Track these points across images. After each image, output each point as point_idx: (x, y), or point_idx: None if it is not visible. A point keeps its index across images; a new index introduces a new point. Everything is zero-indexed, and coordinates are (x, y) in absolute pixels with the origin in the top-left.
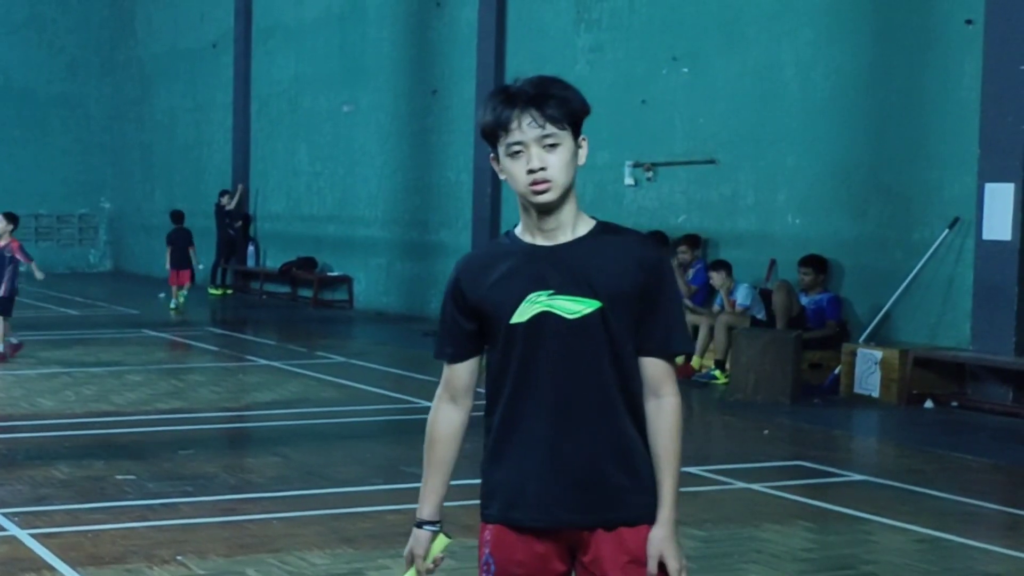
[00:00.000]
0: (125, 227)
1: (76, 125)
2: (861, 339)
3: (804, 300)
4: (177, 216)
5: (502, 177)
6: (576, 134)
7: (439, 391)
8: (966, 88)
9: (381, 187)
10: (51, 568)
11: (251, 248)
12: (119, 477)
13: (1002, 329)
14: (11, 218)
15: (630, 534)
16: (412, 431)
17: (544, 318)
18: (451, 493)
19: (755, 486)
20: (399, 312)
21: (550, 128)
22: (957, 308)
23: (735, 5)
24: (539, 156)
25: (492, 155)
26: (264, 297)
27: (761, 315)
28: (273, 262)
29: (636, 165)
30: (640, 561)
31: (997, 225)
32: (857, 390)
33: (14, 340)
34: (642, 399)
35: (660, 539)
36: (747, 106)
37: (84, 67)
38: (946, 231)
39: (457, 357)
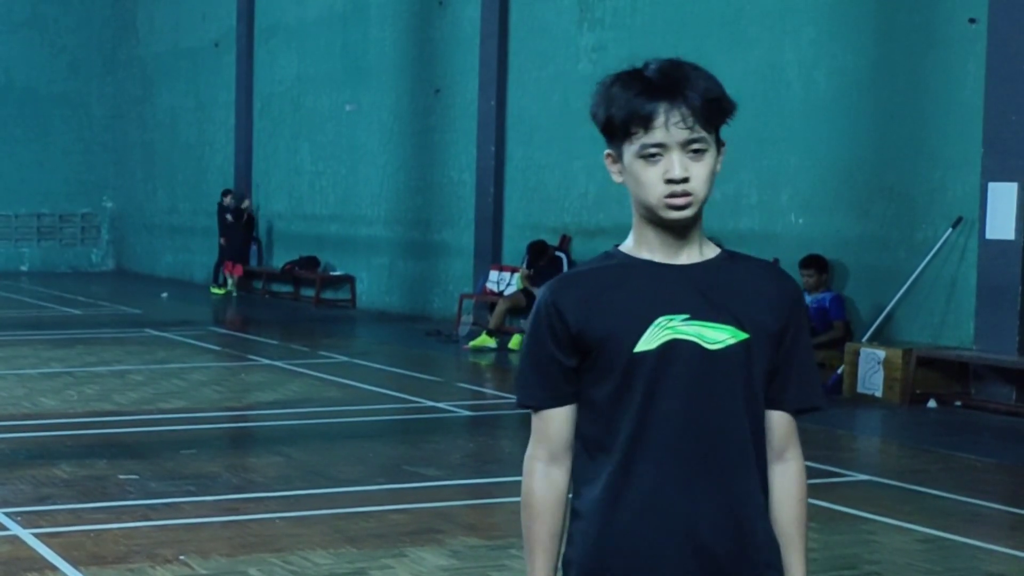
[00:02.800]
0: (127, 226)
1: (78, 124)
2: (864, 339)
3: (807, 300)
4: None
5: (618, 180)
6: (719, 137)
7: (531, 450)
8: (969, 87)
9: (384, 186)
10: (53, 568)
11: (253, 247)
12: (121, 477)
13: (1005, 329)
14: None
15: None
16: (415, 431)
17: (677, 346)
18: (453, 492)
19: None
20: (402, 312)
21: (699, 131)
22: (960, 308)
23: (737, 4)
24: (683, 164)
25: (608, 152)
26: (267, 296)
27: None
28: (276, 261)
29: None
30: None
31: (1000, 224)
32: (860, 390)
33: None
34: (766, 457)
35: None
36: (749, 105)
37: (86, 66)
38: (949, 231)
39: (554, 401)
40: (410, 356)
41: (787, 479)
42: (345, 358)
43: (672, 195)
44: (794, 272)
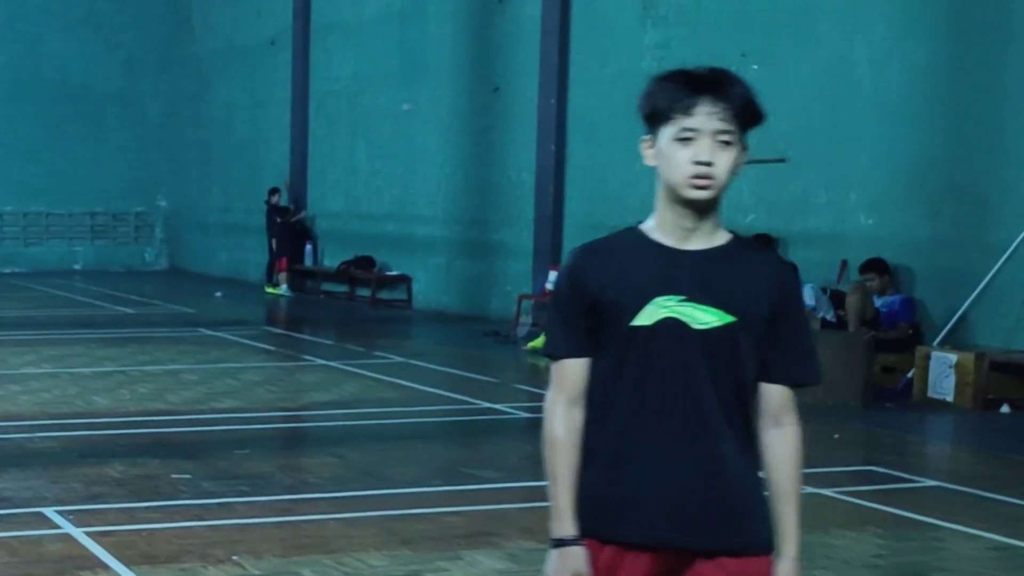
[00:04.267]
0: (181, 225)
1: (133, 122)
2: (935, 342)
3: (877, 302)
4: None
5: (650, 163)
6: (744, 139)
7: (552, 394)
8: None
9: (441, 185)
10: (105, 566)
11: (308, 247)
12: (174, 476)
13: None
14: None
15: (734, 564)
16: (471, 432)
17: (669, 324)
18: (510, 495)
19: (826, 491)
20: (458, 312)
21: (730, 125)
22: None
23: (806, 1)
24: (711, 149)
25: (646, 138)
26: (322, 296)
27: (830, 316)
28: (331, 261)
29: None
30: None
31: None
32: (931, 394)
33: None
34: (754, 426)
35: (788, 574)
36: (819, 103)
37: (141, 64)
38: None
39: (575, 352)
40: (467, 357)
41: (782, 442)
42: (401, 359)
43: (697, 176)
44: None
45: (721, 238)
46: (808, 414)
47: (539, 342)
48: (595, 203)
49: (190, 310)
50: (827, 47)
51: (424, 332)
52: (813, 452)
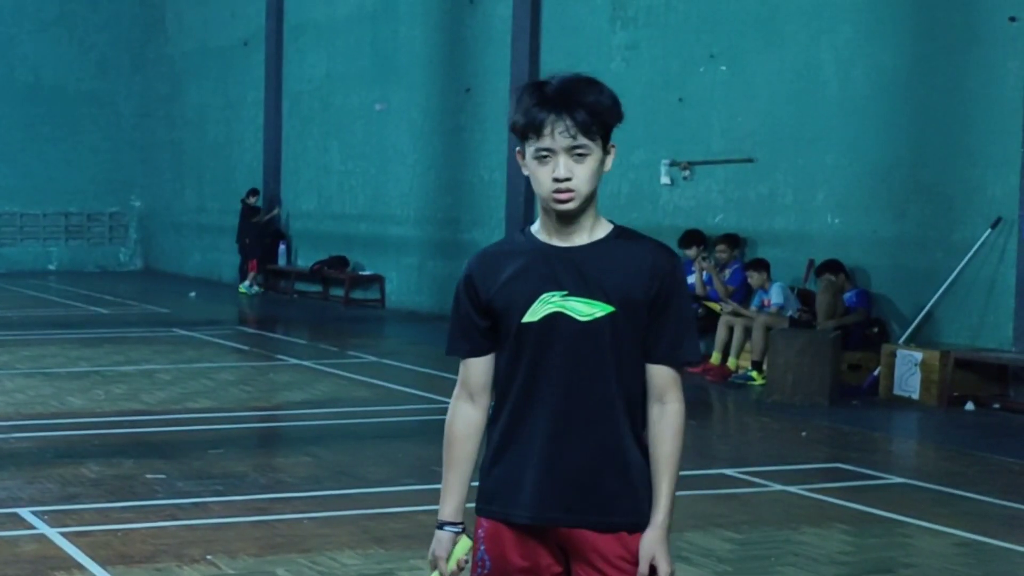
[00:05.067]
0: (155, 225)
1: (106, 123)
2: (901, 340)
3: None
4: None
5: (525, 173)
6: (606, 141)
7: (456, 390)
8: (1009, 86)
9: (413, 186)
10: (81, 567)
11: (282, 247)
12: (149, 476)
13: None
14: None
15: (615, 539)
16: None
17: (556, 319)
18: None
19: (792, 488)
20: (431, 311)
21: (581, 139)
22: (999, 309)
23: (773, 2)
24: (567, 166)
25: (519, 149)
26: (295, 296)
27: (796, 315)
28: (304, 261)
29: (673, 164)
30: (619, 565)
31: None
32: (897, 391)
33: None
34: (643, 406)
35: (652, 541)
36: (786, 104)
37: (114, 65)
38: (988, 231)
39: (472, 352)
40: (440, 356)
41: (664, 418)
42: (374, 358)
43: (558, 191)
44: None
45: (602, 231)
46: (775, 411)
47: None
48: None
49: (164, 310)
50: (794, 49)
51: (397, 332)
52: (780, 449)
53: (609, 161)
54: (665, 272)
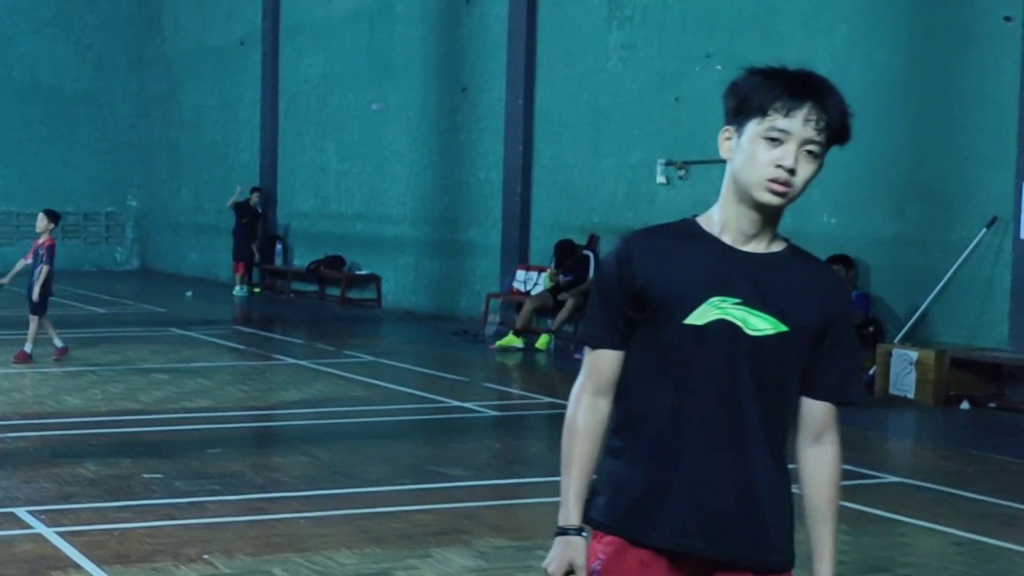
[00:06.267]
0: (152, 225)
1: (103, 123)
2: (897, 339)
3: None
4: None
5: (725, 155)
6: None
7: (581, 382)
8: (1005, 85)
9: (410, 185)
10: (77, 566)
11: (279, 247)
12: (146, 475)
13: None
14: (52, 216)
15: None
16: (441, 431)
17: (722, 327)
18: (480, 493)
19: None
20: (428, 311)
21: (822, 137)
22: (995, 308)
23: (770, 2)
24: (796, 156)
25: (727, 128)
26: (291, 296)
27: None
28: (301, 260)
29: (669, 163)
30: None
31: None
32: (892, 391)
33: (59, 343)
34: (788, 441)
35: None
36: None
37: (111, 64)
38: (984, 230)
39: (611, 343)
40: (436, 356)
41: (822, 461)
42: (371, 357)
43: (775, 179)
44: None
45: (778, 244)
46: None
47: (507, 340)
48: (562, 203)
49: (161, 310)
50: (790, 48)
51: (393, 331)
52: None
53: (816, 173)
54: (844, 303)
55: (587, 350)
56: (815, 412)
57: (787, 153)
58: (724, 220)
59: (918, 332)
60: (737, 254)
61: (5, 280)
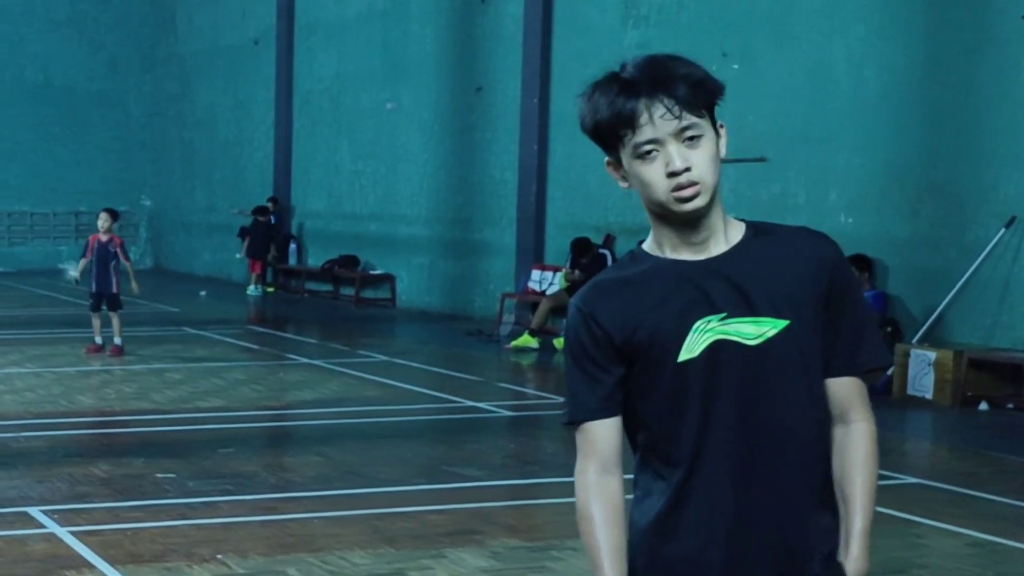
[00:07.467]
0: (165, 224)
1: (116, 122)
2: (915, 340)
3: None
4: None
5: (624, 186)
6: (714, 121)
7: (580, 465)
8: (1022, 84)
9: (424, 185)
10: (91, 566)
11: (293, 246)
12: (159, 475)
13: None
14: (113, 214)
15: None
16: (455, 431)
17: (719, 349)
18: (494, 493)
19: None
20: (442, 311)
21: (689, 117)
22: (1014, 309)
23: (786, 1)
24: (681, 154)
25: (608, 160)
26: (305, 295)
27: None
28: (315, 260)
29: None
30: None
31: None
32: (910, 391)
33: (118, 340)
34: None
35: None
36: (798, 103)
37: (124, 64)
38: (1002, 231)
39: (603, 412)
40: (450, 356)
41: (851, 441)
42: (384, 357)
43: (678, 187)
44: None
45: (736, 233)
46: None
47: (523, 340)
48: (576, 203)
49: (174, 309)
50: (806, 48)
51: (407, 331)
52: None
53: (723, 145)
54: (833, 261)
55: (577, 429)
56: (836, 391)
57: (670, 157)
58: (668, 239)
59: (935, 333)
60: (700, 266)
61: (78, 277)
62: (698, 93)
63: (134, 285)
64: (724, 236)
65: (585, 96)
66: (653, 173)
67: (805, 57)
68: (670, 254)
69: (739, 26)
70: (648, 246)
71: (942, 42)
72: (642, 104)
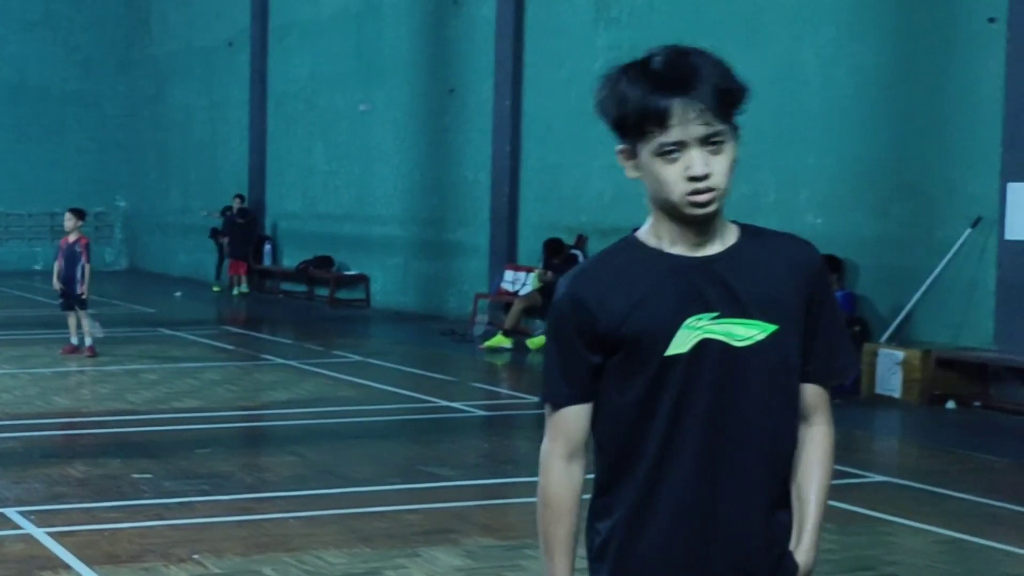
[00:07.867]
0: (140, 225)
1: (91, 123)
2: (883, 339)
3: None
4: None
5: (633, 176)
6: (734, 127)
7: (548, 446)
8: (989, 86)
9: (398, 186)
10: (67, 567)
11: (267, 247)
12: (135, 476)
13: None
14: (79, 214)
15: None
16: (429, 430)
17: (707, 347)
18: (468, 492)
19: None
20: (416, 311)
21: (716, 124)
22: (980, 308)
23: (756, 2)
24: (704, 160)
25: (621, 148)
26: (280, 296)
27: None
28: (289, 261)
29: None
30: None
31: (1020, 224)
32: (878, 390)
33: (88, 340)
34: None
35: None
36: (768, 104)
37: (99, 65)
38: (968, 230)
39: (577, 398)
40: (424, 356)
41: (812, 440)
42: (359, 357)
43: (695, 192)
44: None
45: (732, 235)
46: None
47: (496, 340)
48: (549, 203)
49: (150, 310)
50: (776, 49)
51: (382, 331)
52: None
53: (737, 149)
54: (816, 271)
55: (549, 409)
56: (805, 395)
57: (691, 161)
58: (668, 233)
59: (903, 332)
60: (696, 263)
61: (57, 286)
62: (729, 101)
63: (83, 288)
64: (721, 238)
65: (610, 81)
66: (673, 174)
67: (775, 58)
68: (667, 247)
69: (710, 27)
70: (644, 236)
71: (911, 43)
72: (675, 105)
